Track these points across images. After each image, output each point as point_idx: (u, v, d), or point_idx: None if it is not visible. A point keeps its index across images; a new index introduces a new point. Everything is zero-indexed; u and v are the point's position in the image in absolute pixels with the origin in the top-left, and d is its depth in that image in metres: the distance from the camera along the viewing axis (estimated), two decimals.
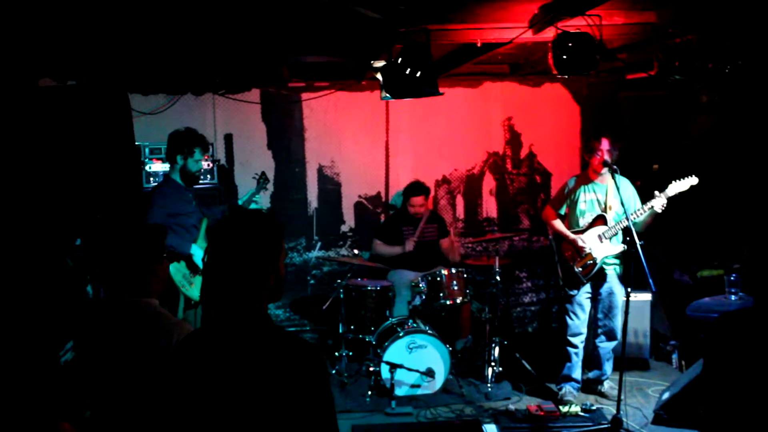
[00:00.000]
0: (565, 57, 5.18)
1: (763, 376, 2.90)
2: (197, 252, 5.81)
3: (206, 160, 7.19)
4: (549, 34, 5.38)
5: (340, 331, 6.97)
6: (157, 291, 3.30)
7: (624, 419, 5.60)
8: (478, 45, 5.92)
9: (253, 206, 6.58)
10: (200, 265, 5.67)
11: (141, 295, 3.24)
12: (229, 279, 2.36)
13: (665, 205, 5.90)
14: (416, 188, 7.61)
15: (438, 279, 6.87)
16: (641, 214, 5.96)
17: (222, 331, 2.36)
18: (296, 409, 2.26)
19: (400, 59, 5.46)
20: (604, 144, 6.07)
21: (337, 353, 7.01)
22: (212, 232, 2.46)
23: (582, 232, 6.23)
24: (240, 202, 6.39)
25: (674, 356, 7.26)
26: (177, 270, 5.74)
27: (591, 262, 6.15)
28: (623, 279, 6.25)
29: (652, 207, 5.90)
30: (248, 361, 2.30)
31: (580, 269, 6.18)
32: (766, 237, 3.01)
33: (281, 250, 2.45)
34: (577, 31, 5.17)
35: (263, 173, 6.88)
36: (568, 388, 6.36)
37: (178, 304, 5.72)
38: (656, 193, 5.92)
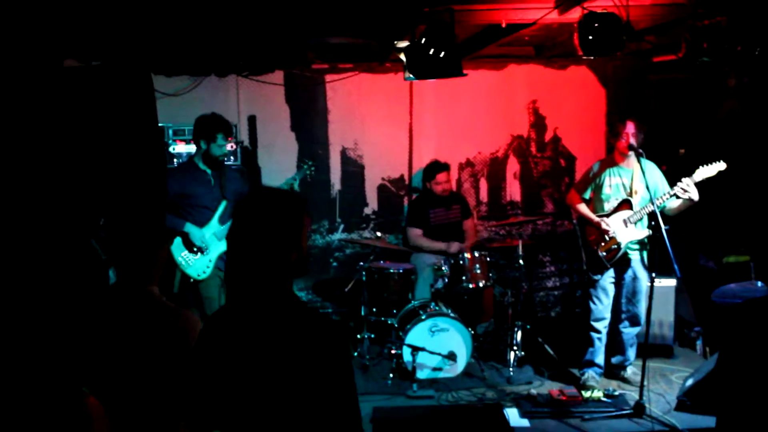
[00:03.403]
0: (591, 38, 5.11)
1: None
2: (192, 230, 5.96)
3: (230, 142, 7.22)
4: (575, 14, 5.32)
5: (362, 313, 6.97)
6: (158, 277, 3.30)
7: (647, 405, 5.57)
8: (503, 26, 5.87)
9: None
10: (198, 243, 5.95)
11: (144, 284, 3.24)
12: (251, 256, 2.39)
13: (692, 197, 5.78)
14: (438, 166, 7.58)
15: (461, 262, 6.84)
16: (667, 198, 5.88)
17: (247, 307, 2.40)
18: (319, 383, 2.30)
19: (423, 39, 5.42)
20: (629, 127, 5.99)
21: (359, 336, 7.02)
22: (234, 209, 2.49)
23: (607, 216, 6.17)
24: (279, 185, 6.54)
25: (698, 343, 7.20)
26: (177, 247, 5.90)
27: (615, 246, 6.10)
28: (648, 264, 6.19)
29: (684, 193, 5.78)
30: (273, 336, 2.34)
31: (604, 254, 6.14)
32: None
33: (303, 226, 2.47)
34: (604, 11, 5.11)
35: (312, 163, 6.93)
36: (590, 373, 6.33)
37: (173, 281, 5.80)
38: (683, 179, 5.84)
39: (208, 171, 6.12)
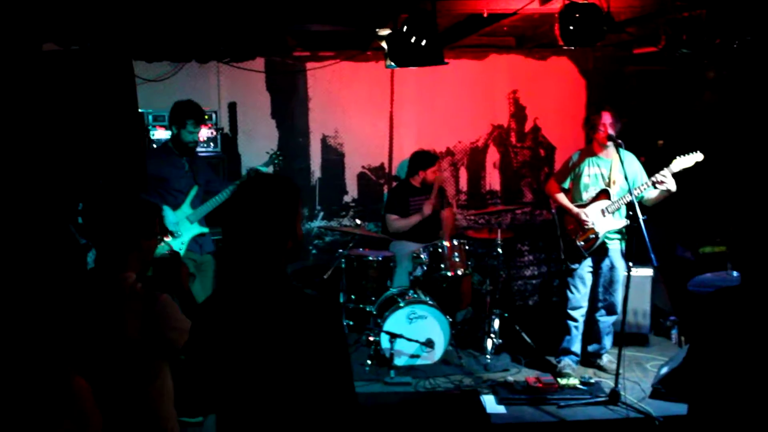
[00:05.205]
0: (571, 28, 5.14)
1: (745, 353, 2.90)
2: (168, 214, 6.05)
3: (201, 129, 7.27)
4: (556, 4, 5.34)
5: (341, 300, 6.99)
6: (137, 266, 3.24)
7: (622, 393, 5.62)
8: (485, 15, 5.88)
9: None
10: (169, 227, 6.07)
11: (119, 270, 3.18)
12: (249, 242, 2.43)
13: (669, 188, 5.82)
14: (431, 158, 7.62)
15: (440, 250, 6.87)
16: (645, 188, 5.93)
17: (244, 292, 2.45)
18: (316, 365, 2.35)
19: (405, 28, 5.43)
20: (606, 118, 6.03)
21: None
22: (233, 195, 2.52)
23: (585, 206, 6.21)
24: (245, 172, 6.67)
25: (674, 332, 7.27)
26: None
27: (593, 236, 6.15)
28: (625, 254, 6.24)
29: (662, 183, 5.83)
30: (270, 320, 2.39)
31: (583, 243, 6.18)
32: (750, 213, 2.99)
33: (299, 214, 2.52)
34: (585, 2, 5.14)
35: (279, 153, 6.94)
36: (567, 361, 6.38)
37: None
38: (663, 170, 5.88)
39: (182, 156, 6.22)
